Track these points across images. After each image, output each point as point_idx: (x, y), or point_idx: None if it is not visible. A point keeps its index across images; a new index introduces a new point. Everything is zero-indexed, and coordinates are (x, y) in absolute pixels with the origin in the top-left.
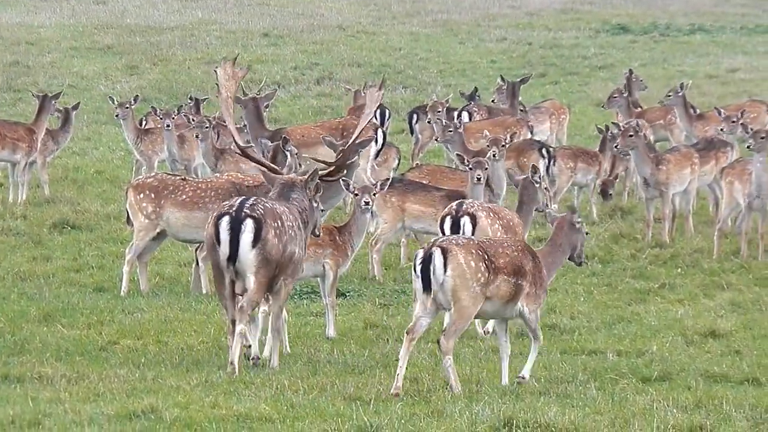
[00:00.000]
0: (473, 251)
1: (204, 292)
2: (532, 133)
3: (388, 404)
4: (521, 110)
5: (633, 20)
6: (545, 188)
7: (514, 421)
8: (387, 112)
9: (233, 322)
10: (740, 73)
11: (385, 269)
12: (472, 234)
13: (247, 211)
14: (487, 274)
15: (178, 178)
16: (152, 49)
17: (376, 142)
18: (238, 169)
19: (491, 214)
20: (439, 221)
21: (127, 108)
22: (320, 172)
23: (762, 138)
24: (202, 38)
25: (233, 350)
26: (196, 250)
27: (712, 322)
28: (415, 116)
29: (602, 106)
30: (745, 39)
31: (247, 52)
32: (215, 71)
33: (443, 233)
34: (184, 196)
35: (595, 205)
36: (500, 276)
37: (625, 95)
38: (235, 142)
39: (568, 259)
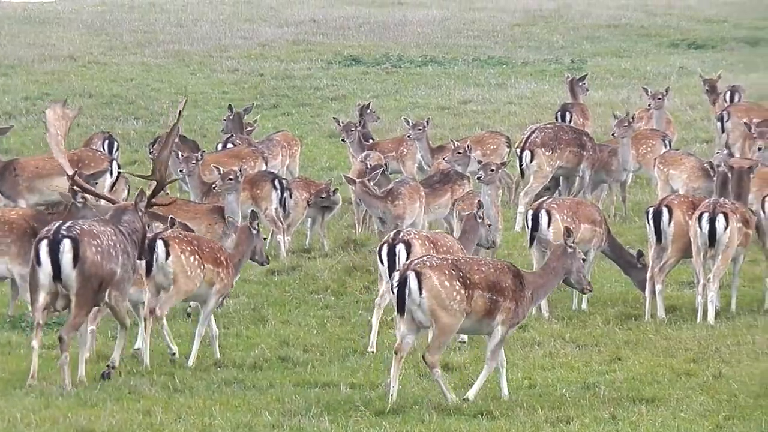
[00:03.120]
0: (446, 271)
1: None
2: (267, 164)
3: None
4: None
5: (365, 52)
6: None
7: None
8: (116, 142)
9: (59, 340)
10: (472, 105)
11: None
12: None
13: (64, 232)
14: (463, 291)
15: None
16: None
17: (111, 173)
18: None
19: (427, 242)
20: (377, 249)
21: None
22: (147, 194)
23: (492, 170)
24: None
25: (64, 377)
26: None
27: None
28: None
29: (342, 140)
30: (477, 71)
31: None
32: (44, 112)
33: (381, 261)
34: None
35: (326, 238)
36: (476, 291)
37: (358, 128)
38: (67, 175)
39: (565, 283)
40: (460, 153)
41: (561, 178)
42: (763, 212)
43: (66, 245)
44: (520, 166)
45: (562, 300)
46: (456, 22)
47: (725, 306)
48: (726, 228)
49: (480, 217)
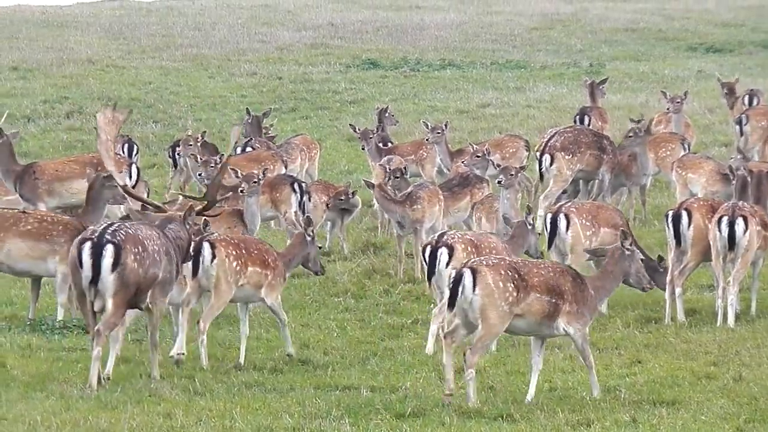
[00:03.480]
0: (502, 271)
1: None
2: (286, 167)
3: None
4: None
5: (383, 55)
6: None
7: None
8: (135, 146)
9: (96, 333)
10: (491, 108)
11: None
12: (447, 265)
13: (108, 237)
14: (515, 294)
15: None
16: None
17: (130, 177)
18: None
19: (470, 247)
20: (421, 248)
21: None
22: (196, 209)
23: (511, 175)
24: None
25: (91, 371)
26: None
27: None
28: (178, 149)
29: (362, 147)
30: (496, 74)
31: None
32: (95, 116)
33: (425, 260)
34: None
35: (345, 241)
36: (533, 294)
37: (375, 134)
38: (117, 181)
39: (625, 284)
40: (478, 156)
41: (581, 181)
42: None
43: (108, 250)
44: (540, 169)
45: None
46: (474, 25)
47: (745, 309)
48: (745, 231)
49: (530, 224)
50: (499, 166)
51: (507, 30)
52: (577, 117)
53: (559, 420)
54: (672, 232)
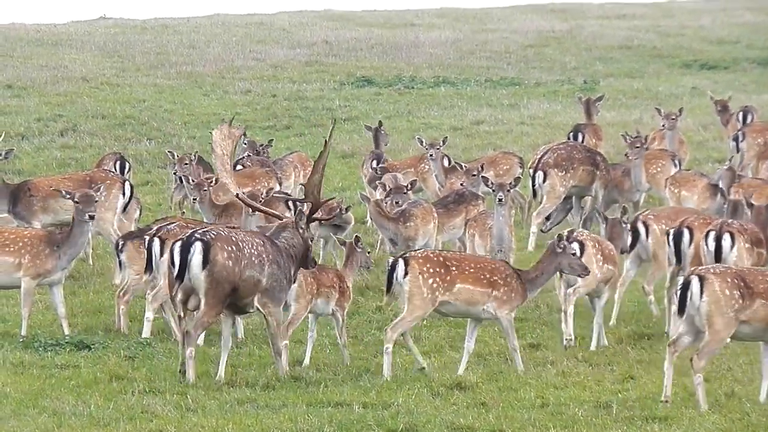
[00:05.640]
0: (729, 279)
1: None
2: (281, 184)
3: None
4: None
5: (377, 72)
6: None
7: None
8: (127, 163)
9: (185, 334)
10: (485, 126)
11: (131, 321)
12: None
13: (198, 236)
14: (741, 301)
15: None
16: None
17: (123, 194)
18: None
19: (597, 245)
20: None
21: None
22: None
23: (507, 191)
24: None
25: (188, 369)
26: None
27: (455, 374)
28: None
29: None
30: (490, 92)
31: None
32: (210, 132)
33: None
34: None
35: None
36: (759, 300)
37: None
38: (235, 194)
39: None
40: (474, 175)
41: (573, 197)
42: None
43: (197, 247)
44: (533, 186)
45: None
46: (468, 43)
47: None
48: (732, 246)
49: (624, 223)
50: (492, 183)
51: (501, 47)
52: (571, 134)
53: None
54: (673, 249)
